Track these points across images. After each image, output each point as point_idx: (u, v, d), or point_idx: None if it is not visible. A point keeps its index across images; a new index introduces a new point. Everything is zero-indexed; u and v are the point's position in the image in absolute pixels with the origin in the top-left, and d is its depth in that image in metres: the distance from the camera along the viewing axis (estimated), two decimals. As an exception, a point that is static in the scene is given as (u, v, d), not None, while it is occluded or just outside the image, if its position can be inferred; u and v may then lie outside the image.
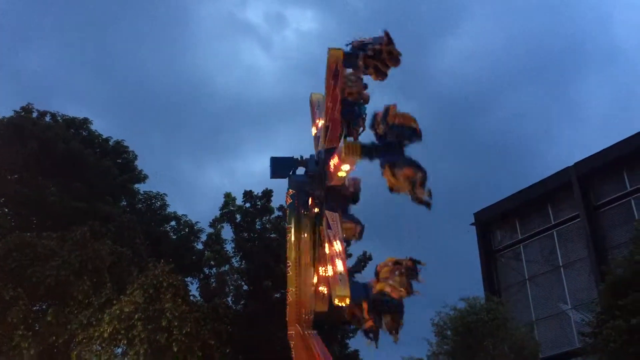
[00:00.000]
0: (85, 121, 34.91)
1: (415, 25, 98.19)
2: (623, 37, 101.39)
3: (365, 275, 33.40)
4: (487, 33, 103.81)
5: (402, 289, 14.42)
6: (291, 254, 17.93)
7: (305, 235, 17.93)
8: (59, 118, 33.70)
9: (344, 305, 14.10)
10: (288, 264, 17.91)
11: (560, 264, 33.29)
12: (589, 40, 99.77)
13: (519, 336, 25.78)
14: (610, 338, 21.25)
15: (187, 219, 35.77)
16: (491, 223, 37.93)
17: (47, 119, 33.18)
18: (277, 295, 30.31)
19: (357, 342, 33.90)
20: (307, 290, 17.44)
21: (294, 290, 17.75)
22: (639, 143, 30.26)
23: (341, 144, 14.83)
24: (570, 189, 33.15)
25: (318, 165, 16.91)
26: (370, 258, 33.35)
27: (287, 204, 17.97)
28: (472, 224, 38.34)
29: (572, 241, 33.13)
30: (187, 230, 35.20)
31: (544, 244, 34.77)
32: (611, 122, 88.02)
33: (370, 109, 16.49)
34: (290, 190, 17.76)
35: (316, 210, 17.14)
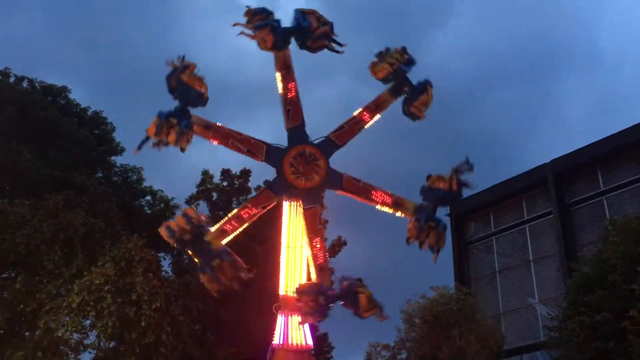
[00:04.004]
0: (64, 89, 34.28)
1: (404, 19, 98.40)
2: (605, 40, 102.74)
3: (339, 260, 33.74)
4: (474, 31, 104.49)
5: (449, 181, 19.16)
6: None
7: (289, 218, 18.42)
8: (36, 84, 33.08)
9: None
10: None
11: (531, 259, 33.75)
12: (572, 42, 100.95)
13: (486, 327, 26.16)
14: (574, 333, 21.70)
15: (163, 194, 35.51)
16: (466, 215, 38.24)
17: (25, 84, 32.56)
18: (250, 275, 30.31)
19: (326, 325, 34.17)
20: (289, 274, 17.90)
21: None
22: (615, 144, 30.70)
23: None
24: (545, 186, 33.55)
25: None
26: (345, 243, 33.54)
27: None
28: (447, 215, 38.62)
29: (544, 237, 33.58)
30: (162, 205, 34.93)
31: (516, 238, 35.19)
32: (590, 123, 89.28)
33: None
34: None
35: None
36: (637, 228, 21.67)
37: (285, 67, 19.51)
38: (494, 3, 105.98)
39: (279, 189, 18.65)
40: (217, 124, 18.75)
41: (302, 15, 19.39)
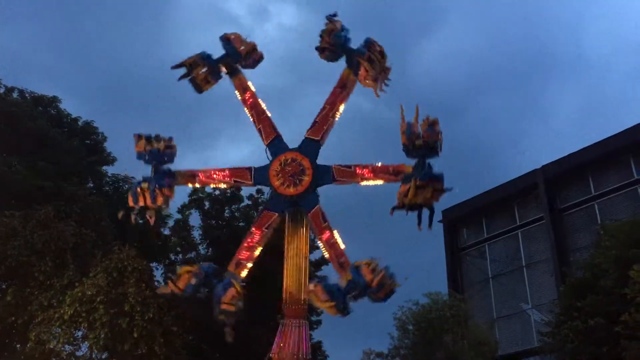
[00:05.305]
0: (54, 99, 34.15)
1: (394, 27, 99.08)
2: (592, 46, 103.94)
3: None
4: (462, 39, 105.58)
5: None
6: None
7: (288, 228, 18.37)
8: (27, 95, 32.95)
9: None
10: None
11: (523, 264, 33.85)
12: (559, 48, 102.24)
13: (479, 333, 26.17)
14: (567, 338, 21.72)
15: (155, 204, 35.29)
16: (458, 221, 38.35)
17: (15, 95, 32.43)
18: (244, 284, 30.17)
19: (320, 333, 34.13)
20: (290, 282, 17.79)
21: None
22: (604, 149, 30.92)
23: None
24: (536, 191, 33.71)
25: None
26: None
27: None
28: (439, 222, 38.70)
29: (536, 242, 33.71)
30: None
31: (508, 243, 35.31)
32: (579, 129, 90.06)
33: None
34: None
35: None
36: (629, 233, 21.77)
37: (242, 90, 19.92)
38: (481, 11, 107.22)
39: (275, 205, 18.72)
40: (200, 171, 19.56)
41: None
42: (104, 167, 35.18)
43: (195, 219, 33.53)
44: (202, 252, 32.78)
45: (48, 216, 25.36)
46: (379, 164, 18.06)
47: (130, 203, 18.76)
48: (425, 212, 17.01)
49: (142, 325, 22.40)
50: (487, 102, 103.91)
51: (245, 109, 19.71)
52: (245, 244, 18.62)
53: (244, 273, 18.25)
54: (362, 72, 18.22)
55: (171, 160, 19.36)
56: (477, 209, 36.93)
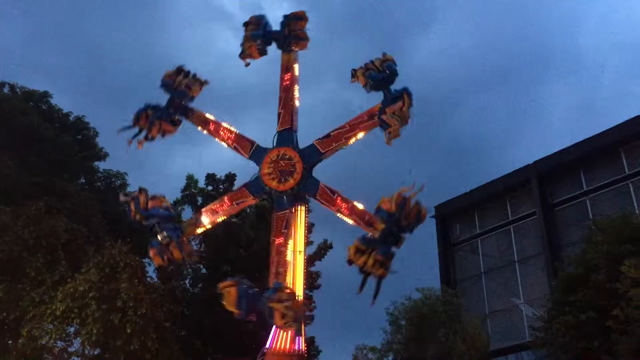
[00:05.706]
0: (45, 94, 33.95)
1: (389, 22, 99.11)
2: (586, 44, 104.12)
3: (325, 263, 33.66)
4: (457, 35, 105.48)
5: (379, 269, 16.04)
6: None
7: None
8: (17, 90, 32.75)
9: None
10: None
11: (516, 259, 33.94)
12: (554, 46, 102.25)
13: (472, 328, 26.26)
14: (559, 333, 21.81)
15: (148, 199, 35.16)
16: (451, 216, 38.40)
17: (5, 90, 32.23)
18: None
19: (313, 328, 34.14)
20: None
21: None
22: (597, 145, 31.02)
23: None
24: (528, 186, 33.80)
25: None
26: (331, 246, 33.51)
27: None
28: (432, 217, 38.75)
29: (528, 237, 33.80)
30: (146, 210, 34.60)
31: (501, 239, 35.38)
32: (572, 125, 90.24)
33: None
34: None
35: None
36: (620, 228, 21.87)
37: (285, 69, 20.02)
38: (477, 7, 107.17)
39: (255, 188, 18.90)
40: (213, 121, 20.13)
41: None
42: (96, 163, 35.02)
43: (188, 214, 33.45)
44: (195, 247, 32.68)
45: (39, 212, 25.25)
46: (360, 207, 17.52)
47: (133, 122, 19.59)
48: (374, 280, 16.28)
49: (134, 320, 22.38)
50: (482, 99, 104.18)
51: (280, 89, 19.91)
52: (213, 207, 19.49)
53: (199, 230, 19.50)
54: (395, 106, 17.36)
55: (182, 98, 19.87)
56: (470, 204, 36.99)
